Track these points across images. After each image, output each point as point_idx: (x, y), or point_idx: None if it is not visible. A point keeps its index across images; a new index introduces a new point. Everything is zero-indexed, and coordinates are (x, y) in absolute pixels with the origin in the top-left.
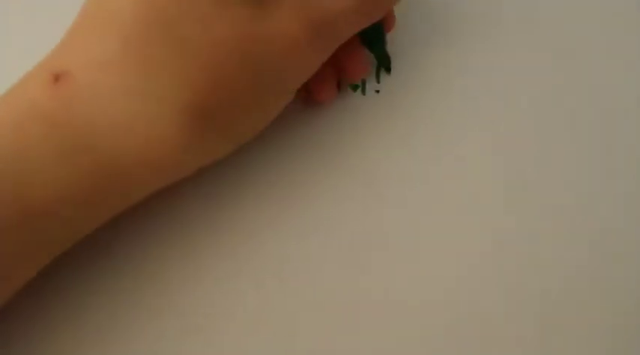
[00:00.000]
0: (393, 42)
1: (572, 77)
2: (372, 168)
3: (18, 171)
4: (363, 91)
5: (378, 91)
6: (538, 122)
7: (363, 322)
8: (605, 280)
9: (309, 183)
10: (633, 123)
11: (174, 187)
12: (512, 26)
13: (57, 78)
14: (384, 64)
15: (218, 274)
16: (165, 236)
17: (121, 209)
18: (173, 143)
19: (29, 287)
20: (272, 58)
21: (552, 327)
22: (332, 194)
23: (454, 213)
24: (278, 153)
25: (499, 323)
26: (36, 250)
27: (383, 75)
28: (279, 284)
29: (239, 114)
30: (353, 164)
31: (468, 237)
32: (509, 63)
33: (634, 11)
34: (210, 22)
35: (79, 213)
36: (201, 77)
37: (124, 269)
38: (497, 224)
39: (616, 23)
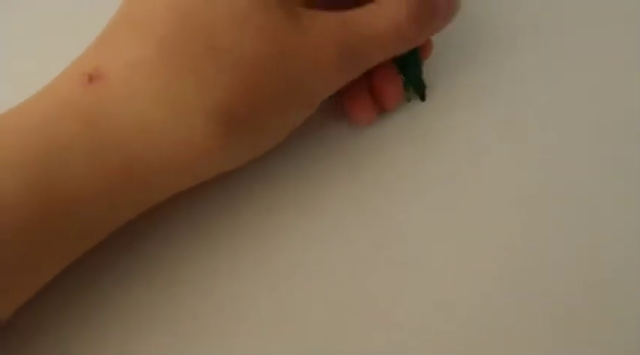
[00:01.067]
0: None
1: (603, 99)
2: (388, 177)
3: (46, 167)
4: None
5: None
6: (568, 144)
7: (375, 326)
8: (622, 283)
9: (325, 189)
10: None
11: (193, 190)
12: (546, 49)
13: (91, 77)
14: (418, 91)
15: (232, 277)
16: (180, 239)
17: (141, 211)
18: (201, 147)
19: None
20: (301, 73)
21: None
22: (348, 200)
23: (471, 222)
24: (295, 159)
25: (514, 326)
26: (50, 253)
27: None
28: (292, 288)
29: (265, 123)
30: (370, 172)
31: (485, 245)
32: (539, 85)
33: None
34: (247, 30)
35: (101, 211)
36: (233, 84)
37: (137, 272)
38: (515, 233)
39: None
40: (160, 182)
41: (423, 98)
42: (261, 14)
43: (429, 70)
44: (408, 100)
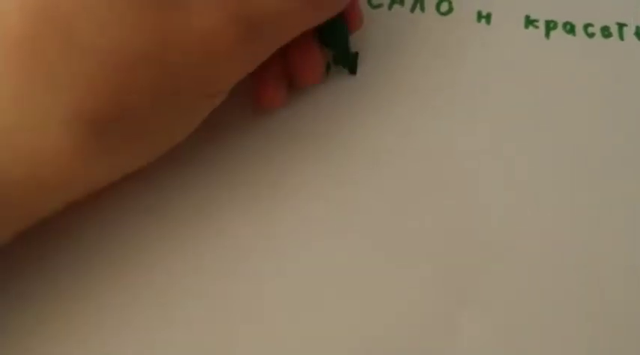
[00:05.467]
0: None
1: None
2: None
3: None
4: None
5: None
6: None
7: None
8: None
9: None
10: None
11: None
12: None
13: None
14: (345, 63)
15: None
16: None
17: (25, 226)
18: (68, 155)
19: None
20: (191, 61)
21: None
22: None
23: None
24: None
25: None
26: None
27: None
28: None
29: (152, 122)
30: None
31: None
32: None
33: None
34: (109, 24)
35: None
36: (98, 84)
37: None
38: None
39: None
40: (31, 197)
41: (352, 71)
42: (125, 3)
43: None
44: (328, 69)
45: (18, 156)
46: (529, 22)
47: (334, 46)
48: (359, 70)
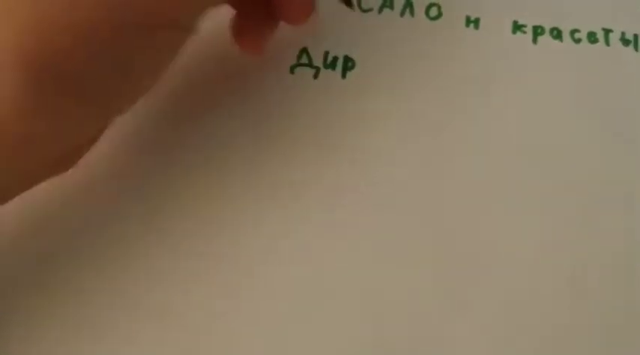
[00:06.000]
0: None
1: None
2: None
3: None
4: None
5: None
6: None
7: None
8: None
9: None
10: None
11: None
12: None
13: None
14: None
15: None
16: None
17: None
18: (11, 102)
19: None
20: (152, 17)
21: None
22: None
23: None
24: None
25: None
26: None
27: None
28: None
29: (107, 68)
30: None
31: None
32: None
33: None
34: None
35: None
36: (42, 22)
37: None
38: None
39: None
40: None
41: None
42: None
43: None
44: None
45: None
46: (517, 27)
47: None
48: (347, 74)
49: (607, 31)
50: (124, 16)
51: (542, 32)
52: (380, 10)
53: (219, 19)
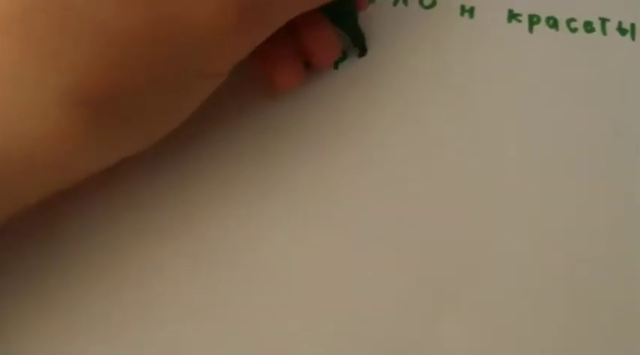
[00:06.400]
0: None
1: None
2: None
3: None
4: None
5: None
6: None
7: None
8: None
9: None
10: None
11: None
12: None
13: None
14: (356, 43)
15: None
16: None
17: (16, 210)
18: (59, 135)
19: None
20: (186, 40)
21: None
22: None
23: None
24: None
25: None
26: None
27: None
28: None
29: (146, 104)
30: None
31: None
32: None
33: None
34: (105, 2)
35: None
36: (91, 61)
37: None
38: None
39: None
40: (29, 179)
41: (362, 49)
42: None
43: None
44: (344, 58)
45: (11, 133)
46: (512, 16)
47: (343, 19)
48: (340, 65)
49: (604, 20)
50: (177, 63)
51: (538, 21)
52: None
53: None
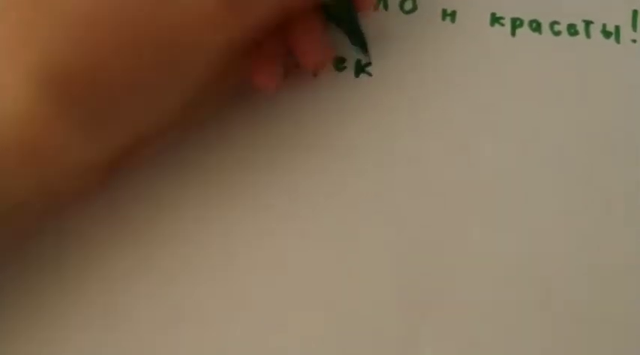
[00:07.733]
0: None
1: None
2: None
3: None
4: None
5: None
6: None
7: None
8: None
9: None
10: None
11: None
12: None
13: None
14: (356, 43)
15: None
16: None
17: (13, 210)
18: (35, 117)
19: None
20: (174, 34)
21: None
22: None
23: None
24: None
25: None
26: None
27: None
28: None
29: (136, 98)
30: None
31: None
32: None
33: None
34: None
35: None
36: (63, 42)
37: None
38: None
39: None
40: (3, 167)
41: (364, 51)
42: None
43: None
44: (339, 67)
45: None
46: (495, 19)
47: (342, 21)
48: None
49: (587, 23)
50: (167, 61)
51: (521, 24)
52: None
53: None
